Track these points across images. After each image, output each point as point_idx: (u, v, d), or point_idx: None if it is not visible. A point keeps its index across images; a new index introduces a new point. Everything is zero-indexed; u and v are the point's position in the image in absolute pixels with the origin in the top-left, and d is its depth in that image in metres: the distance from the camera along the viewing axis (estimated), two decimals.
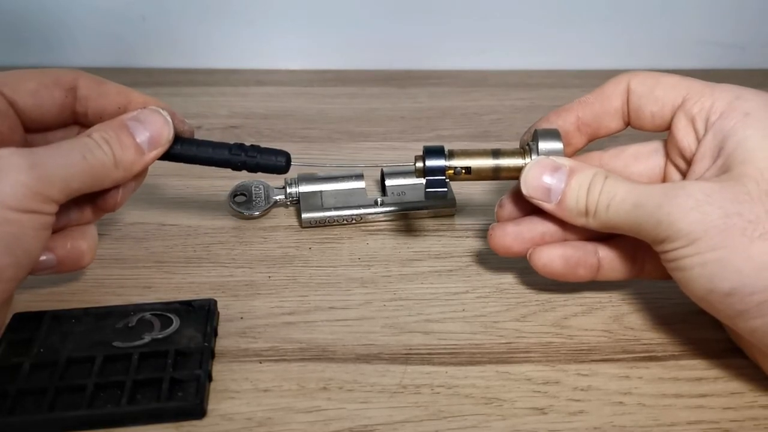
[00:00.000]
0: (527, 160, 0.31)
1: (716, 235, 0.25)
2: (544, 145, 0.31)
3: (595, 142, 0.34)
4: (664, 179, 0.32)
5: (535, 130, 0.32)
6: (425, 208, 0.40)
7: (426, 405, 0.28)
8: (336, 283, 0.35)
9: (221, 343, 0.31)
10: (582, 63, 0.62)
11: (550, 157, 0.30)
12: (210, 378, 0.29)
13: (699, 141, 0.29)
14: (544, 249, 0.31)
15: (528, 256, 0.32)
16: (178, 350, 0.29)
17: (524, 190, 0.30)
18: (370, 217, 0.40)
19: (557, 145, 0.31)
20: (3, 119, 0.29)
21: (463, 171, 0.32)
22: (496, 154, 0.32)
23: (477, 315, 0.33)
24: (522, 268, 0.37)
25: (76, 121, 0.31)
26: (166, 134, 0.30)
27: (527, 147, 0.32)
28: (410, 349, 0.31)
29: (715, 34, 0.62)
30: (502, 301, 0.34)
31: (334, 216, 0.39)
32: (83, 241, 0.30)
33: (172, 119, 0.31)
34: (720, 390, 0.29)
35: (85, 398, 0.27)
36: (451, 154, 0.32)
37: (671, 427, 0.28)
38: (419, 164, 0.32)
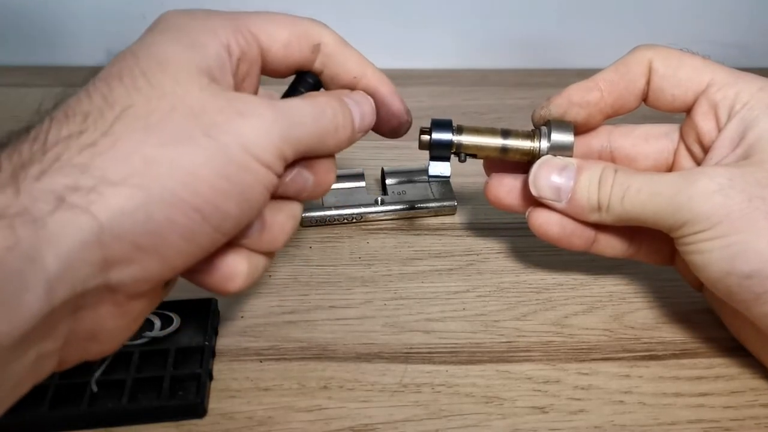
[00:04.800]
0: (536, 144, 0.31)
1: (739, 219, 0.25)
2: (556, 136, 0.31)
3: None
4: (674, 163, 0.32)
5: (549, 120, 0.31)
6: (426, 207, 0.40)
7: (426, 404, 0.28)
8: (336, 282, 0.35)
9: (222, 342, 0.31)
10: (582, 62, 0.62)
11: (557, 157, 0.30)
12: (211, 377, 0.29)
13: (720, 129, 0.29)
14: (543, 211, 0.31)
15: (527, 214, 0.32)
16: (178, 349, 0.29)
17: (533, 191, 0.30)
18: (370, 216, 0.40)
19: (568, 138, 0.31)
20: (253, 67, 0.27)
21: (467, 155, 0.32)
22: (505, 134, 0.31)
23: (477, 314, 0.33)
24: (523, 267, 0.37)
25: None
26: (371, 120, 0.29)
27: (538, 131, 0.31)
28: (411, 348, 0.31)
29: (716, 34, 0.62)
30: (503, 300, 0.34)
31: (334, 215, 0.39)
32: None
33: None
34: (720, 389, 0.29)
35: (86, 397, 0.27)
36: (460, 129, 0.32)
37: (671, 426, 0.28)
38: (425, 137, 0.32)
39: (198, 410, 0.27)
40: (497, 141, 0.31)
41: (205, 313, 0.31)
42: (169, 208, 0.21)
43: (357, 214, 0.39)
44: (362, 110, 0.28)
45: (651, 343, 0.32)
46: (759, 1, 0.60)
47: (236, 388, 0.29)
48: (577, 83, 0.31)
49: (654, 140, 0.32)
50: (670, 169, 0.32)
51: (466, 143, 0.31)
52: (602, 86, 0.31)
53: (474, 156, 0.32)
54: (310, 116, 0.25)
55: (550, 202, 0.30)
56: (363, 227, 0.40)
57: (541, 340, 0.32)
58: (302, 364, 0.30)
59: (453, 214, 0.41)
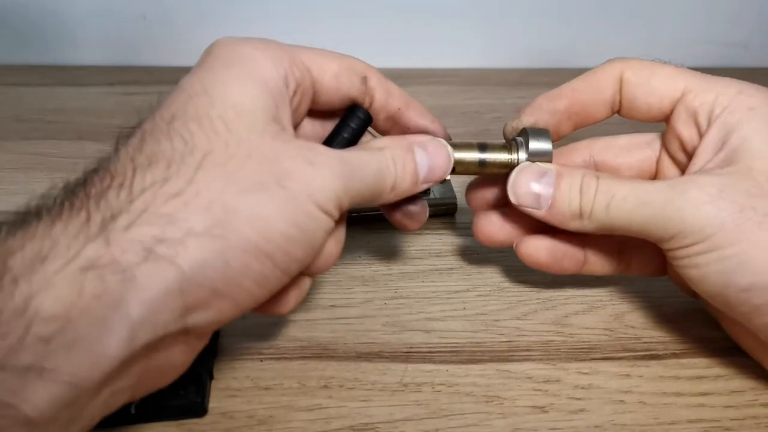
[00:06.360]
0: (514, 156, 0.30)
1: (732, 230, 0.25)
2: (534, 144, 0.30)
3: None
4: (657, 171, 0.32)
5: (524, 129, 0.31)
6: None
7: (427, 403, 0.28)
8: (337, 281, 0.35)
9: (222, 341, 0.31)
10: (582, 62, 0.62)
11: (536, 163, 0.30)
12: (211, 376, 0.29)
13: (701, 135, 0.29)
14: (530, 240, 0.31)
15: (515, 246, 0.32)
16: None
17: (512, 199, 0.29)
18: (371, 215, 0.40)
19: (546, 146, 0.30)
20: (304, 99, 0.27)
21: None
22: (482, 147, 0.30)
23: (478, 313, 0.33)
24: (523, 266, 0.36)
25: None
26: (443, 173, 0.29)
27: (514, 142, 0.31)
28: (411, 347, 0.31)
29: (717, 33, 0.62)
30: (503, 300, 0.34)
31: None
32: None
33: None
34: (721, 388, 0.29)
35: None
36: None
37: (672, 425, 0.28)
38: None
39: (198, 409, 0.27)
40: (474, 155, 0.30)
41: None
42: (245, 256, 0.21)
43: (357, 213, 0.39)
44: (432, 163, 0.28)
45: (651, 342, 0.32)
46: (760, 0, 0.60)
47: (237, 387, 0.29)
48: (546, 93, 0.31)
49: (636, 150, 0.32)
50: (654, 177, 0.32)
51: None
52: (569, 94, 0.31)
53: (453, 171, 0.30)
54: (373, 173, 0.26)
55: (530, 210, 0.29)
56: (363, 226, 0.40)
57: (542, 340, 0.32)
58: (302, 363, 0.30)
59: (453, 214, 0.41)
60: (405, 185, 0.27)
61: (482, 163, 0.30)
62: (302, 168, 0.23)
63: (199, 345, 0.23)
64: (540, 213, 0.29)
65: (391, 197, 0.27)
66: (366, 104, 0.29)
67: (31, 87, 0.56)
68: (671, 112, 0.30)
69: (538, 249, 0.31)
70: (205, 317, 0.22)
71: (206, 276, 0.21)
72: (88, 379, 0.19)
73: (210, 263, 0.21)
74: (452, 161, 0.29)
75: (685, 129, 0.29)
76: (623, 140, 0.33)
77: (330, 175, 0.24)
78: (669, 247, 0.27)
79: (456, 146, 0.30)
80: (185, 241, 0.20)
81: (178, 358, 0.23)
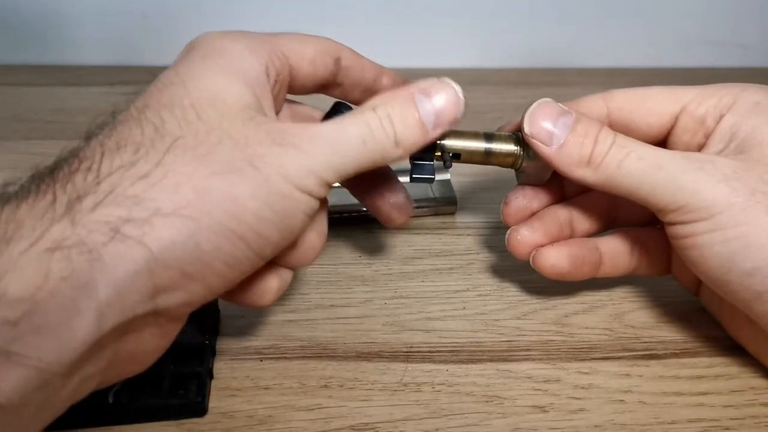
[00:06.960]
0: (520, 147, 0.30)
1: (739, 212, 0.25)
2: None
3: None
4: None
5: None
6: (426, 206, 0.40)
7: (427, 403, 0.28)
8: (337, 281, 0.35)
9: (222, 341, 0.31)
10: (582, 61, 0.62)
11: (558, 103, 0.29)
12: (211, 375, 0.29)
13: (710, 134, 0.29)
14: (549, 250, 0.31)
15: (531, 258, 0.31)
16: (179, 347, 0.29)
17: (526, 128, 0.28)
18: (371, 214, 0.40)
19: None
20: (284, 86, 0.27)
21: (452, 157, 0.30)
22: (489, 137, 0.31)
23: (478, 313, 0.33)
24: (523, 265, 0.36)
25: (327, 92, 0.31)
26: (455, 112, 0.26)
27: (521, 134, 0.30)
28: (411, 347, 0.31)
29: (717, 33, 0.62)
30: (503, 299, 0.34)
31: (335, 214, 0.39)
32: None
33: None
34: (720, 388, 0.29)
35: (86, 396, 0.27)
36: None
37: (672, 425, 0.28)
38: None
39: (198, 409, 0.27)
40: (481, 144, 0.30)
41: (206, 311, 0.31)
42: (216, 237, 0.21)
43: (357, 212, 0.39)
44: (439, 106, 0.26)
45: (651, 342, 0.32)
46: (760, 0, 0.60)
47: (237, 386, 0.29)
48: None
49: None
50: None
51: (450, 146, 0.30)
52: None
53: (458, 157, 0.31)
54: (356, 140, 0.24)
55: (540, 145, 0.28)
56: (363, 226, 0.40)
57: (542, 339, 0.32)
58: (302, 363, 0.30)
59: (453, 214, 0.41)
60: (411, 137, 0.26)
61: (488, 152, 0.31)
62: (271, 149, 0.23)
63: (172, 329, 0.23)
64: (548, 150, 0.28)
65: (399, 153, 0.25)
66: (341, 82, 0.30)
67: (31, 87, 0.56)
68: (672, 127, 0.30)
69: (559, 257, 0.31)
70: (175, 299, 0.21)
71: (175, 257, 0.20)
72: (56, 363, 0.19)
73: (179, 244, 0.20)
74: (462, 99, 0.27)
75: (693, 138, 0.29)
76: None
77: (301, 154, 0.23)
78: (671, 219, 0.27)
79: (462, 135, 0.30)
80: (152, 221, 0.20)
81: (151, 342, 0.22)
